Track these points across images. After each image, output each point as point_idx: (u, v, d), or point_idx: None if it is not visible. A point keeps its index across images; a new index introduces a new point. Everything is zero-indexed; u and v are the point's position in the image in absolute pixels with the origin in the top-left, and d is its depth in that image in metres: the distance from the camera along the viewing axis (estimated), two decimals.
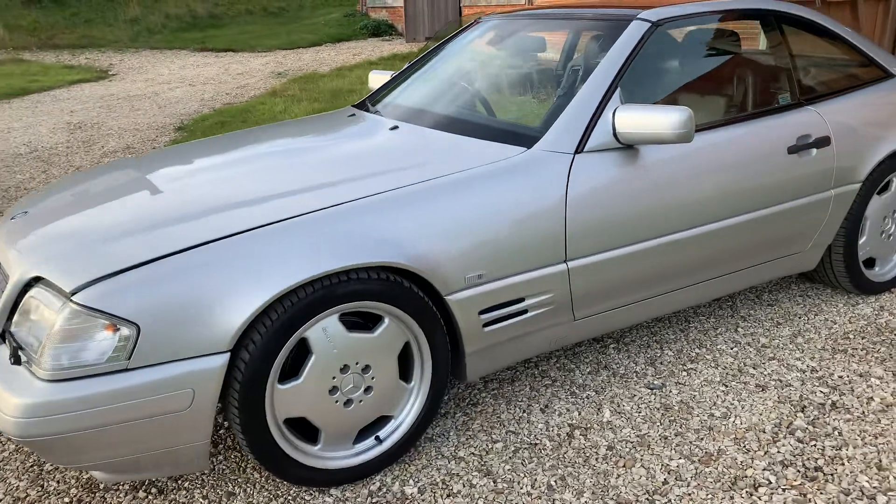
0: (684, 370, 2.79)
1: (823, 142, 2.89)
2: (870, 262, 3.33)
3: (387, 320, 2.14)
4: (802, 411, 2.51)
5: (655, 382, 2.71)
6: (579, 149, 2.42)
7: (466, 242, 2.19)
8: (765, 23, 2.98)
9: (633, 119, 2.40)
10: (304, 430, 2.16)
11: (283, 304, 1.96)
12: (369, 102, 3.29)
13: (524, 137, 2.48)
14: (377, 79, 3.60)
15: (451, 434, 2.45)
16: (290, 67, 12.68)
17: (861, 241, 3.20)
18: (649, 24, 2.68)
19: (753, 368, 2.78)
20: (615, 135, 2.45)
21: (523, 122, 2.58)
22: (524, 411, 2.57)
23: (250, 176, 2.44)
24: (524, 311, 2.37)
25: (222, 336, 1.89)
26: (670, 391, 2.65)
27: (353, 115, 3.15)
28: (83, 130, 8.06)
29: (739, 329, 3.09)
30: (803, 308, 3.26)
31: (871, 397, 2.58)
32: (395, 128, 2.79)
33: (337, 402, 2.11)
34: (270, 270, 1.93)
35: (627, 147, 2.48)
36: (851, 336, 3.00)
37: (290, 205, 2.13)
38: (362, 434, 2.24)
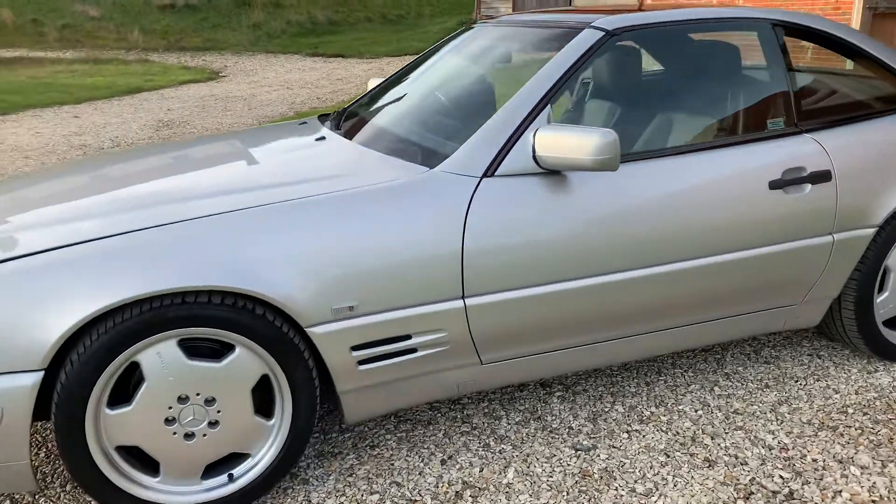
0: (627, 431, 2.41)
1: (821, 177, 2.43)
2: None
3: (238, 350, 1.95)
4: (746, 499, 2.09)
5: (585, 443, 2.36)
6: (489, 172, 2.13)
7: (335, 269, 1.96)
8: (761, 35, 2.55)
9: (553, 141, 2.09)
10: (148, 459, 2.01)
11: (105, 324, 1.81)
12: (336, 112, 3.12)
13: (433, 156, 2.22)
14: (373, 85, 3.42)
15: (331, 478, 2.22)
16: (390, 73, 12.78)
17: (882, 298, 2.68)
18: (602, 34, 2.34)
19: (710, 438, 2.37)
20: (535, 158, 2.15)
21: (443, 140, 2.31)
22: (424, 460, 2.30)
23: (115, 187, 2.32)
24: (413, 350, 2.11)
25: (36, 353, 1.77)
26: (598, 455, 2.30)
27: (304, 123, 2.99)
28: (169, 128, 8.40)
29: (716, 388, 2.66)
30: (805, 370, 2.78)
31: (840, 491, 2.12)
32: (321, 139, 2.60)
33: (175, 434, 1.94)
34: (90, 288, 1.79)
35: (552, 173, 2.17)
36: (850, 411, 2.51)
37: (133, 219, 1.98)
38: (215, 468, 2.06)
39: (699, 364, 2.84)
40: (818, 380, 2.71)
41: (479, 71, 2.78)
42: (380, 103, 2.88)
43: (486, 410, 2.56)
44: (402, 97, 2.82)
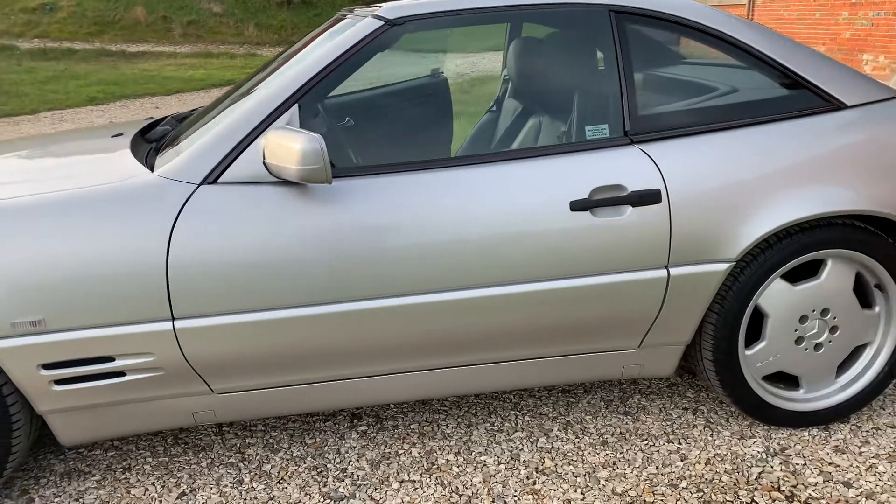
0: (402, 481, 2.09)
1: (647, 198, 1.99)
2: (793, 381, 2.27)
3: None
4: None
5: (342, 491, 2.07)
6: (210, 179, 1.89)
7: (15, 280, 1.81)
8: (596, 24, 2.11)
9: (276, 146, 1.82)
10: None
11: None
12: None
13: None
14: None
15: (57, 501, 2.07)
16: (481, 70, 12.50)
17: (758, 348, 2.17)
18: (382, 23, 2.03)
19: (490, 501, 2.00)
20: (265, 164, 1.89)
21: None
22: (162, 492, 2.10)
23: None
24: (121, 373, 1.92)
25: None
26: None
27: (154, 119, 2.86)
28: None
29: (543, 439, 2.26)
30: (666, 428, 2.31)
31: None
32: (118, 135, 2.45)
33: None
34: None
35: (289, 182, 1.90)
36: (683, 484, 2.05)
37: None
38: None
39: (543, 406, 2.44)
40: (671, 441, 2.24)
41: None
42: (208, 101, 2.69)
43: (271, 439, 2.32)
44: (231, 94, 2.62)
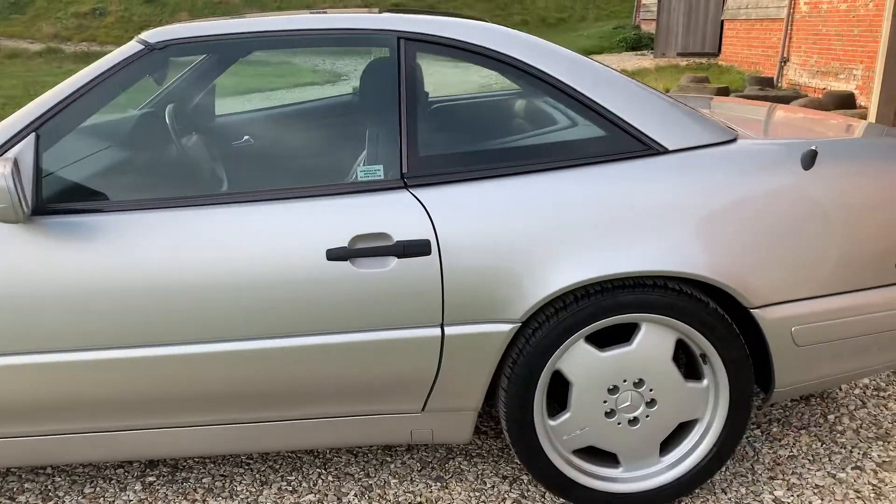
0: None
1: (414, 248, 1.77)
2: (612, 458, 2.01)
3: None
4: None
5: None
6: None
7: None
8: (390, 52, 1.90)
9: None
10: None
11: None
12: None
13: None
14: None
15: None
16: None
17: (562, 419, 1.92)
18: (141, 48, 1.87)
19: None
20: None
21: None
22: None
23: None
24: None
25: None
26: None
27: None
28: None
29: None
30: (471, 499, 2.07)
31: None
32: None
33: None
34: None
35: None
36: None
37: None
38: None
39: (353, 465, 2.23)
40: None
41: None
42: None
43: (51, 486, 2.17)
44: None
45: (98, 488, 2.16)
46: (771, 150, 1.91)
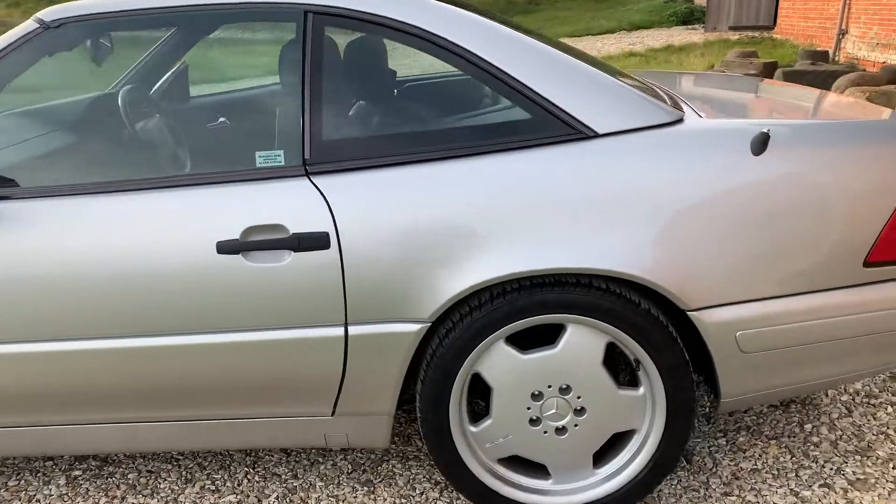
0: None
1: (311, 242, 1.63)
2: (543, 469, 1.85)
3: None
4: None
5: None
6: None
7: None
8: (296, 29, 1.75)
9: None
10: None
11: None
12: None
13: None
14: None
15: None
16: None
17: (483, 426, 1.78)
18: (37, 26, 1.77)
19: None
20: None
21: None
22: None
23: None
24: None
25: None
26: None
27: None
28: None
29: None
30: None
31: None
32: None
33: None
34: None
35: None
36: None
37: None
38: None
39: (283, 465, 2.13)
40: None
41: None
42: None
43: None
44: None
45: (23, 481, 2.12)
46: (718, 132, 1.70)
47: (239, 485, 2.06)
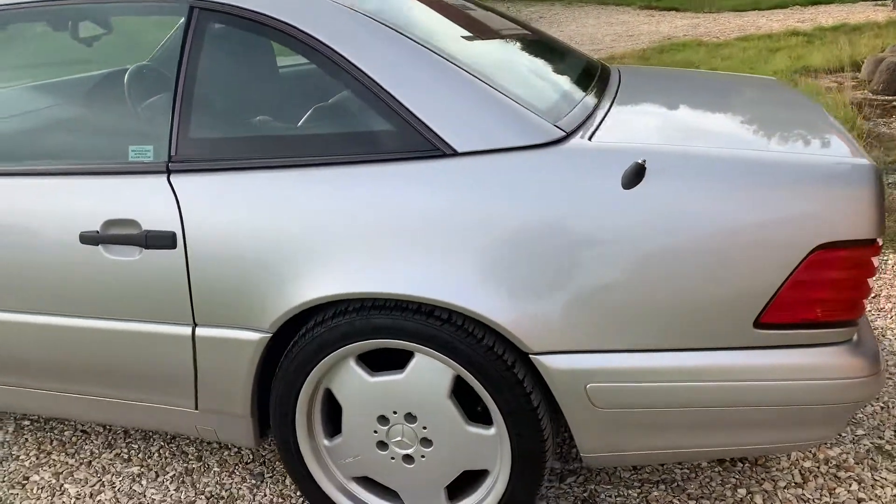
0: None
1: (159, 240, 1.64)
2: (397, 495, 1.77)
3: None
4: None
5: None
6: None
7: None
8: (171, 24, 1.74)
9: None
10: None
11: None
12: None
13: None
14: None
15: None
16: (701, 32, 11.18)
17: (335, 442, 1.73)
18: None
19: None
20: None
21: None
22: None
23: None
24: None
25: None
26: None
27: None
28: None
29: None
30: (269, 500, 1.95)
31: None
32: None
33: None
34: None
35: None
36: None
37: None
38: None
39: (170, 448, 2.19)
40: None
41: None
42: None
43: None
44: None
45: None
46: (596, 156, 1.50)
47: (149, 457, 2.16)
